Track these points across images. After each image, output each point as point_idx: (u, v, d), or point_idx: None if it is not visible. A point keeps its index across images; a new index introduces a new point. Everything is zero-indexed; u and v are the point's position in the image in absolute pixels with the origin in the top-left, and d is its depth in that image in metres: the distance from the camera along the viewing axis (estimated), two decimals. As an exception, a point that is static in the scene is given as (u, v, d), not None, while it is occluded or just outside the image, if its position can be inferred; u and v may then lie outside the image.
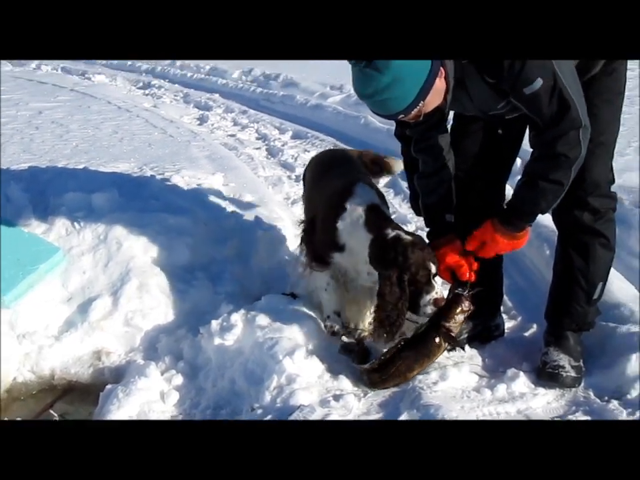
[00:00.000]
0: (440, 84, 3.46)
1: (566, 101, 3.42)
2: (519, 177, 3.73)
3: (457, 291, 3.97)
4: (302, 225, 4.75)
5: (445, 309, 3.94)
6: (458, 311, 3.92)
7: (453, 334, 3.95)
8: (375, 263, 4.03)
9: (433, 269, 3.94)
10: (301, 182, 5.42)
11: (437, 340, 3.94)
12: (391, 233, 4.01)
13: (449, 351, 4.07)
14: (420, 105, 3.44)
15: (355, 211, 4.13)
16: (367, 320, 4.51)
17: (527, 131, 3.77)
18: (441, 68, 3.43)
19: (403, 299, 3.91)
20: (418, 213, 4.32)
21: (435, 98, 3.49)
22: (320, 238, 4.34)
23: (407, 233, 4.06)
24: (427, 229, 4.22)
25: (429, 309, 3.95)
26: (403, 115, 3.49)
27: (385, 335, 3.97)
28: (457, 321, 3.94)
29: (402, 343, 4.00)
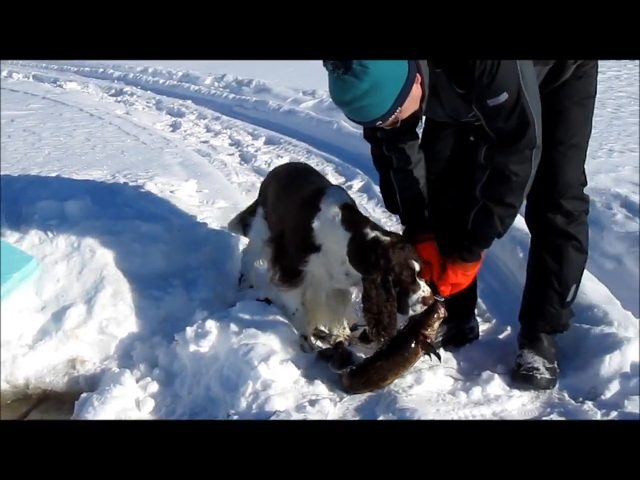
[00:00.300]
0: (416, 90, 3.44)
1: (527, 118, 3.44)
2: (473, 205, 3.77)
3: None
4: (268, 240, 4.71)
5: (422, 316, 3.94)
6: (435, 317, 3.91)
7: (429, 341, 3.94)
8: (355, 264, 4.01)
9: (417, 267, 3.90)
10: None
11: (414, 348, 3.93)
12: (370, 234, 3.98)
13: (425, 354, 4.06)
14: (397, 111, 3.41)
15: (330, 210, 4.10)
16: (342, 325, 4.52)
17: None
18: (417, 74, 3.41)
19: (390, 300, 3.88)
20: (393, 211, 4.28)
21: (411, 104, 3.47)
22: (293, 244, 4.31)
23: (385, 232, 4.04)
24: (404, 226, 4.23)
25: (419, 308, 3.91)
26: (380, 122, 3.46)
27: (381, 339, 3.96)
28: (434, 328, 3.94)
29: (379, 350, 4.01)
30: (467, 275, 3.91)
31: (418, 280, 3.91)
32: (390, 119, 3.44)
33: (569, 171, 3.82)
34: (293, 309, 4.43)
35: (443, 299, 3.94)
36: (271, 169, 5.84)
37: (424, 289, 3.90)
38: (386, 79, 3.28)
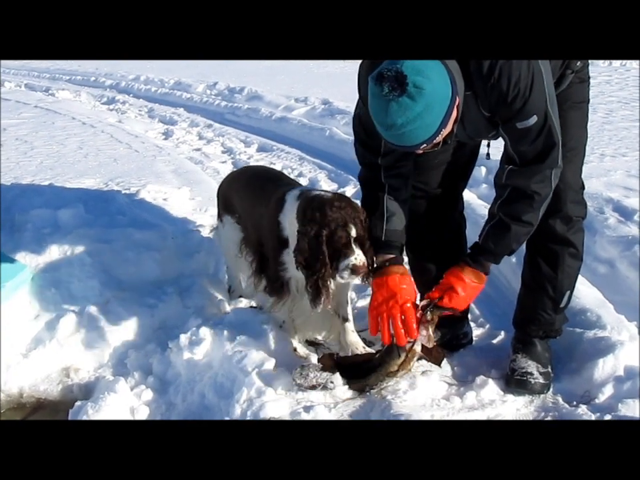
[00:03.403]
0: (455, 112, 3.37)
1: (553, 140, 3.46)
2: (487, 219, 3.76)
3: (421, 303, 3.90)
4: (250, 252, 4.69)
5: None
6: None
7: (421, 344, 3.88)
8: (298, 224, 3.93)
9: (353, 231, 3.79)
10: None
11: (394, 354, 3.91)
12: (314, 192, 3.97)
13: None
14: (441, 133, 3.33)
15: (292, 197, 4.07)
16: (333, 333, 4.51)
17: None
18: (457, 96, 3.33)
19: (320, 254, 3.79)
20: (375, 233, 4.03)
21: (450, 126, 3.40)
22: (270, 250, 4.30)
23: (333, 193, 4.00)
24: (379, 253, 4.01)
25: (346, 274, 3.83)
26: (425, 145, 3.34)
27: (315, 298, 3.91)
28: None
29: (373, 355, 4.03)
30: (467, 278, 3.73)
31: (353, 246, 3.81)
32: (434, 140, 3.35)
33: (568, 173, 3.78)
34: (280, 322, 4.42)
35: (431, 307, 3.81)
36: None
37: (357, 256, 3.79)
38: (436, 100, 3.21)
